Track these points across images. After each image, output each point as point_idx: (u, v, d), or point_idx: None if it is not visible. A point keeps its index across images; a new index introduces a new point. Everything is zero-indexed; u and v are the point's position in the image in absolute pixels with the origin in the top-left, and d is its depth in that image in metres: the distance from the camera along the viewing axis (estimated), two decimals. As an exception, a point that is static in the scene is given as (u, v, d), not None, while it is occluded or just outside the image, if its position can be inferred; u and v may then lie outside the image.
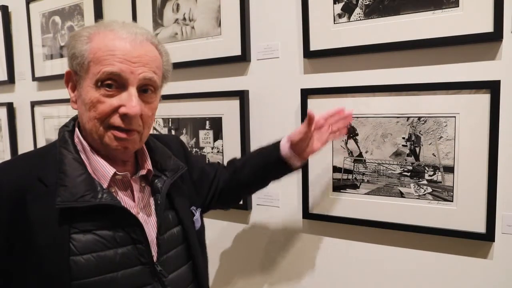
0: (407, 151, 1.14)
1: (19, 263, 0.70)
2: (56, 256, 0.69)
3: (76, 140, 0.80)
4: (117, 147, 0.76)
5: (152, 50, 0.78)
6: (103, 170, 0.77)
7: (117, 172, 0.78)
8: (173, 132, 1.58)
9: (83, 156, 0.78)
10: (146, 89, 0.77)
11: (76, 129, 0.81)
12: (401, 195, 1.16)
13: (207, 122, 1.50)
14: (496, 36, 1.00)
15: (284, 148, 1.01)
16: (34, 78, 2.06)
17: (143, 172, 0.84)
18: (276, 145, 1.04)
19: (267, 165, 1.04)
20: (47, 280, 0.69)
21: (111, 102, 0.74)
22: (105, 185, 0.76)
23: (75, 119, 0.84)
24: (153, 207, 0.84)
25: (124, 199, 0.80)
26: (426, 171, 1.12)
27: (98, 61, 0.73)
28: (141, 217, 0.80)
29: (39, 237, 0.70)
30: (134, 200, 0.81)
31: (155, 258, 0.80)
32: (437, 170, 1.10)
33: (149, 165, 0.85)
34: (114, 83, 0.73)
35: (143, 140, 0.82)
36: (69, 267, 0.69)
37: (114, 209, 0.74)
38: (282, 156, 1.01)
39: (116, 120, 0.74)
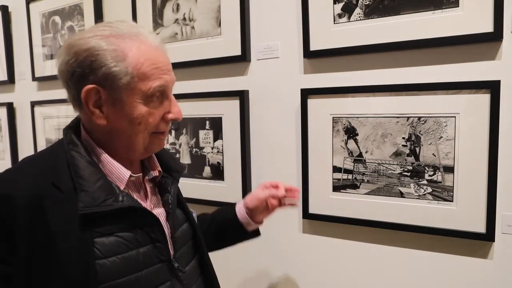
0: (407, 151, 1.14)
1: (41, 271, 0.69)
2: (82, 261, 0.69)
3: (84, 142, 0.79)
4: (159, 148, 0.82)
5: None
6: (119, 172, 0.77)
7: (132, 174, 0.79)
8: (173, 132, 1.59)
9: (95, 159, 0.77)
10: None
11: (83, 131, 0.80)
12: (401, 195, 1.16)
13: (207, 122, 1.50)
14: (496, 36, 1.00)
15: (240, 211, 1.07)
16: (34, 78, 2.06)
17: (155, 173, 0.86)
18: (233, 208, 1.09)
19: (224, 228, 1.08)
20: (73, 286, 0.69)
21: (159, 112, 0.77)
22: (122, 187, 0.76)
23: (78, 120, 0.82)
24: (162, 206, 0.86)
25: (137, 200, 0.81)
26: (426, 171, 1.12)
27: (145, 77, 0.72)
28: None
29: (61, 243, 0.69)
30: (146, 200, 0.83)
31: (171, 255, 0.81)
32: (437, 170, 1.10)
33: (158, 166, 0.87)
34: (160, 93, 0.76)
35: None
36: (95, 271, 0.69)
37: (133, 211, 0.75)
38: (239, 219, 1.06)
39: (162, 126, 0.79)
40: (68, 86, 0.75)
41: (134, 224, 0.76)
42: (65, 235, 0.69)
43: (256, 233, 1.12)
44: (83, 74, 0.71)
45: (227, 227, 1.08)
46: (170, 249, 0.81)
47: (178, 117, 0.79)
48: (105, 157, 0.77)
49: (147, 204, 0.82)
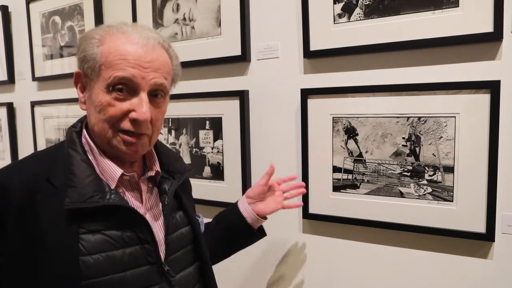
0: (407, 151, 1.14)
1: (30, 263, 0.70)
2: (66, 256, 0.70)
3: (83, 141, 0.80)
4: (127, 151, 0.77)
5: (163, 54, 0.78)
6: (111, 171, 0.77)
7: (124, 173, 0.78)
8: (173, 132, 1.59)
9: (90, 157, 0.78)
10: (156, 93, 0.77)
11: (84, 130, 0.81)
12: (401, 195, 1.16)
13: (207, 122, 1.50)
14: (496, 36, 1.00)
15: (243, 205, 1.08)
16: (34, 78, 2.06)
17: (151, 173, 0.85)
18: (235, 206, 1.09)
19: (228, 229, 1.08)
20: (57, 280, 0.69)
21: (121, 106, 0.74)
22: (112, 186, 0.76)
23: (82, 120, 0.84)
24: (160, 208, 0.85)
25: (131, 199, 0.80)
26: (426, 171, 1.12)
27: (110, 66, 0.73)
28: (148, 217, 0.81)
29: (48, 237, 0.70)
30: (141, 201, 0.82)
31: (162, 258, 0.80)
32: (437, 170, 1.10)
33: (157, 167, 0.86)
34: (125, 87, 0.73)
35: (152, 143, 0.82)
36: (78, 267, 0.69)
37: (121, 209, 0.75)
38: (242, 214, 1.06)
39: (126, 124, 0.75)
40: None
41: (122, 223, 0.75)
42: (52, 229, 0.70)
43: (262, 233, 1.12)
44: (78, 59, 0.78)
45: (234, 226, 1.07)
46: (161, 252, 0.80)
47: (138, 118, 0.73)
48: (99, 156, 0.78)
49: (141, 204, 0.81)
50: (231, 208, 1.10)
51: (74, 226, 0.71)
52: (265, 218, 1.09)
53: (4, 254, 0.71)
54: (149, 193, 0.84)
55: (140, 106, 0.74)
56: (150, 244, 0.77)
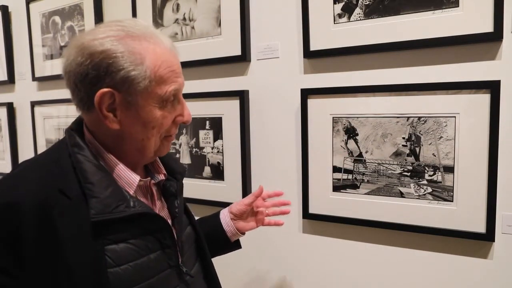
0: (407, 151, 1.14)
1: (51, 281, 0.65)
2: (94, 270, 0.66)
3: (89, 145, 0.75)
4: (167, 150, 0.81)
5: None
6: (128, 177, 0.74)
7: (140, 179, 0.77)
8: (173, 132, 1.59)
9: (102, 163, 0.73)
10: None
11: (87, 134, 0.75)
12: (401, 195, 1.16)
13: (207, 122, 1.50)
14: (496, 36, 1.00)
15: (224, 218, 1.08)
16: (34, 78, 2.06)
17: (161, 176, 0.84)
18: (216, 216, 1.10)
19: (206, 237, 1.05)
20: None
21: (171, 115, 0.76)
22: (131, 192, 0.74)
23: (79, 123, 0.78)
24: (167, 210, 0.84)
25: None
26: (426, 171, 1.12)
27: (162, 80, 0.71)
28: None
29: (72, 253, 0.65)
30: (154, 205, 0.81)
31: (180, 260, 0.80)
32: (437, 170, 1.10)
33: (163, 169, 0.86)
34: (174, 97, 0.75)
35: None
36: (107, 280, 0.66)
37: (144, 216, 0.72)
38: (223, 227, 1.07)
39: (172, 129, 0.78)
40: (77, 88, 0.71)
41: (145, 230, 0.73)
42: (76, 244, 0.66)
43: (237, 245, 1.13)
44: (98, 76, 0.67)
45: (213, 236, 1.05)
46: (178, 254, 0.80)
47: (188, 120, 0.79)
48: (114, 162, 0.74)
49: (155, 209, 0.81)
50: (213, 218, 1.09)
51: (99, 239, 0.67)
52: (243, 233, 1.10)
53: (18, 278, 0.64)
54: (157, 197, 0.84)
55: (185, 109, 0.79)
56: (171, 248, 0.77)
